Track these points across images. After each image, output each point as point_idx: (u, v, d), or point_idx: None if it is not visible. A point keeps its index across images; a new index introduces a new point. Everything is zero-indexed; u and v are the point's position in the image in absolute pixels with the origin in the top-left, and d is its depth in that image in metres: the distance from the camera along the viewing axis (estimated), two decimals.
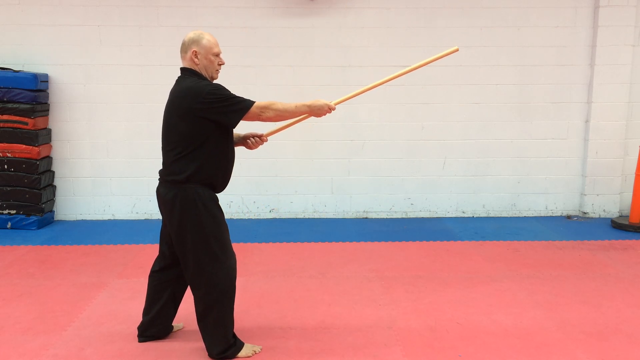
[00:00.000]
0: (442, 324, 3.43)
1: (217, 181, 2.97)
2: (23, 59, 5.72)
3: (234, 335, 3.06)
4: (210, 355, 3.01)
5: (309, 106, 3.05)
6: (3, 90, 5.38)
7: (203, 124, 2.85)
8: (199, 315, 2.99)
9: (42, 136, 5.60)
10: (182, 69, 3.00)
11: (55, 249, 4.93)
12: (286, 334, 3.30)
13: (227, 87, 3.00)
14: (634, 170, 5.83)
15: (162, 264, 3.15)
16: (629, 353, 3.09)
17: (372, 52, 5.85)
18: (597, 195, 6.08)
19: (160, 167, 3.02)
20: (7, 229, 5.54)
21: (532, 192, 6.15)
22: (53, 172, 5.87)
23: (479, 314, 3.57)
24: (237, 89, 6.32)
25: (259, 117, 2.95)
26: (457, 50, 3.45)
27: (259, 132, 3.27)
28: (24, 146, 5.48)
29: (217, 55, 2.99)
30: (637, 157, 5.79)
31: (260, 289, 4.00)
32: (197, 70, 2.96)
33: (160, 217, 6.15)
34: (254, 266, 4.49)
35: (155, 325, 3.19)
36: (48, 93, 5.74)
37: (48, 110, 5.76)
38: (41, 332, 3.31)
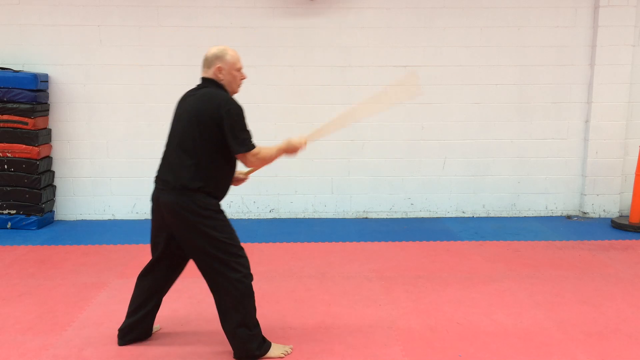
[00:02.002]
0: (442, 324, 3.43)
1: (222, 194, 3.00)
2: (23, 59, 5.72)
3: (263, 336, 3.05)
4: (238, 356, 3.00)
5: (284, 150, 3.06)
6: (3, 90, 5.38)
7: (220, 134, 2.85)
8: (221, 316, 2.97)
9: (42, 136, 5.60)
10: (205, 79, 3.01)
11: (55, 249, 4.93)
12: (286, 334, 3.30)
13: None
14: (634, 170, 5.83)
15: (152, 269, 3.12)
16: (629, 353, 3.09)
17: (372, 52, 5.85)
18: (597, 195, 6.09)
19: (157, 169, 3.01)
20: (7, 229, 5.54)
21: (532, 192, 6.15)
22: (53, 172, 5.88)
23: (479, 314, 3.57)
24: None
25: (245, 160, 2.95)
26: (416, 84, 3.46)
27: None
28: (24, 146, 5.48)
29: (240, 70, 3.02)
30: (637, 157, 5.79)
31: (260, 289, 3.98)
32: (221, 84, 2.99)
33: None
34: (254, 266, 4.42)
35: (138, 328, 3.16)
36: (48, 93, 5.74)
37: (48, 110, 5.77)
38: (41, 332, 3.31)
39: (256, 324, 3.00)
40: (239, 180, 3.28)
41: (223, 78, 2.98)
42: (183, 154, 2.88)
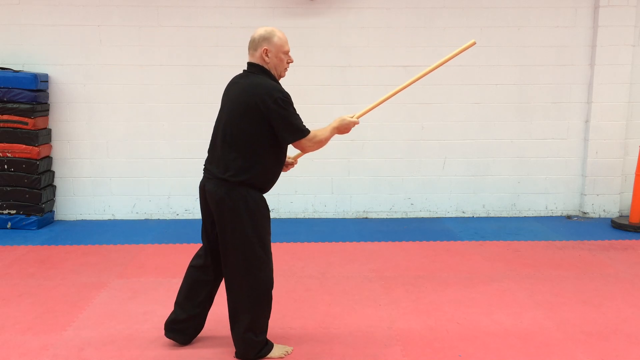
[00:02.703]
0: (442, 324, 3.43)
1: (268, 186, 2.95)
2: (23, 59, 5.72)
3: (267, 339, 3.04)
4: (238, 355, 2.99)
5: (337, 128, 3.02)
6: (3, 90, 5.38)
7: (265, 126, 2.79)
8: (231, 316, 2.95)
9: (42, 136, 5.60)
10: (251, 64, 2.92)
11: (55, 249, 4.93)
12: (286, 334, 3.30)
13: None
14: (634, 170, 5.83)
15: (203, 261, 3.07)
16: (629, 353, 3.08)
17: (372, 52, 5.85)
18: (597, 195, 6.08)
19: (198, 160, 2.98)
20: (7, 229, 5.54)
21: (532, 192, 6.15)
22: (53, 172, 5.87)
23: (479, 314, 3.57)
24: None
25: (301, 146, 2.90)
26: (474, 43, 3.38)
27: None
28: (24, 146, 5.48)
29: (287, 53, 2.92)
30: (637, 157, 5.79)
31: None
32: (267, 68, 2.89)
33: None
34: None
35: (189, 321, 3.09)
36: (48, 93, 5.74)
37: (48, 110, 5.76)
38: (41, 332, 3.31)
39: (263, 331, 2.99)
40: (289, 165, 3.21)
41: (269, 61, 2.87)
42: (227, 146, 2.83)
